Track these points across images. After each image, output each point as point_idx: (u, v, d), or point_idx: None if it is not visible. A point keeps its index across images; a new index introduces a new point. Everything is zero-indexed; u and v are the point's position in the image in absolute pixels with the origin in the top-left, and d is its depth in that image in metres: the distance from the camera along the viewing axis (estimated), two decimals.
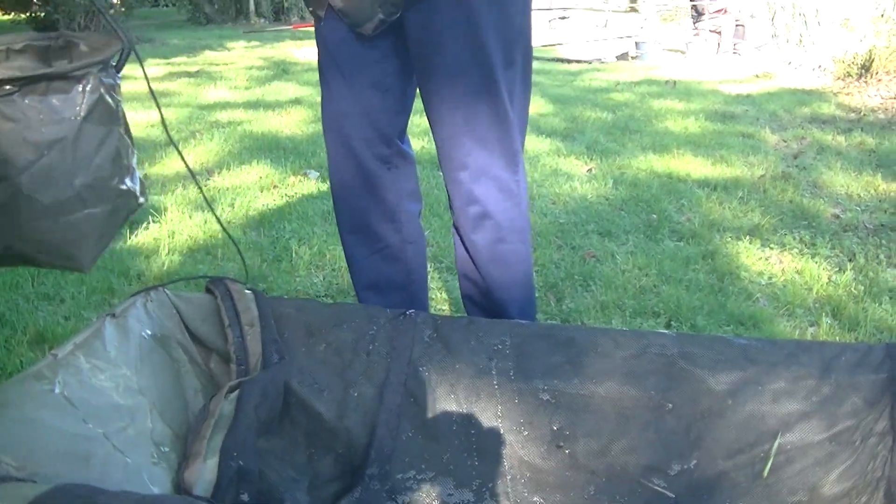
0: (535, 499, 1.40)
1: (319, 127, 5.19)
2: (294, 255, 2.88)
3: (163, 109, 5.47)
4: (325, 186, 3.69)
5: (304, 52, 11.00)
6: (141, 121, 5.09)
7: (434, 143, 1.71)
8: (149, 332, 1.30)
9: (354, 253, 1.87)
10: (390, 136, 1.77)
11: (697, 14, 11.67)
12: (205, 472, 1.23)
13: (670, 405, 1.43)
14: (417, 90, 1.72)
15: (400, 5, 1.56)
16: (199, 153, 4.42)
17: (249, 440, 1.29)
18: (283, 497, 1.30)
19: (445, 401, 1.45)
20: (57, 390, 1.15)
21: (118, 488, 1.03)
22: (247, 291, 1.44)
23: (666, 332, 1.88)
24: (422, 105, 1.70)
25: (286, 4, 21.69)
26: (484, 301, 1.81)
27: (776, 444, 1.38)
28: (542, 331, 1.57)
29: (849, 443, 1.36)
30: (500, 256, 1.73)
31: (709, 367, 1.45)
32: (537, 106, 5.98)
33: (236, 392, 1.32)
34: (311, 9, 1.67)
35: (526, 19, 1.65)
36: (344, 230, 1.85)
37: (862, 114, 6.10)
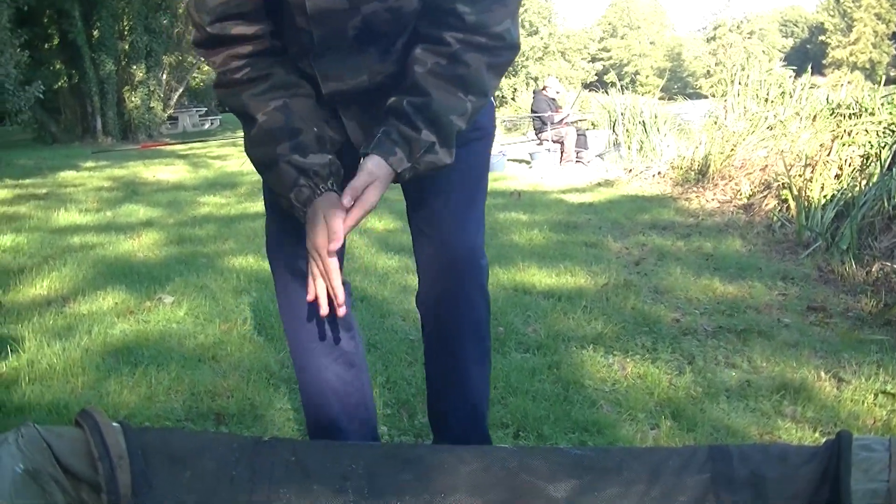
0: None
1: (171, 250, 5.34)
2: (153, 380, 2.89)
3: (14, 234, 5.38)
4: (180, 312, 3.76)
5: (153, 171, 11.01)
6: None
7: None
8: (21, 467, 1.36)
9: (314, 364, 1.86)
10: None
11: (542, 124, 12.25)
12: None
13: None
14: None
15: None
16: (53, 279, 4.42)
17: None
18: None
19: None
20: None
21: None
22: (115, 424, 1.51)
23: (507, 446, 2.00)
24: None
25: (134, 123, 21.72)
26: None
27: None
28: (392, 451, 1.68)
29: None
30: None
31: (547, 477, 1.57)
32: (385, 222, 6.18)
33: None
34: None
35: None
36: (306, 344, 1.85)
37: (700, 218, 6.57)
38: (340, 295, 1.57)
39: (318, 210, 1.55)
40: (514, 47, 1.62)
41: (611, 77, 19.59)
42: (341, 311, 1.59)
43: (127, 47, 21.33)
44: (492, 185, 8.95)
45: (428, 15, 1.58)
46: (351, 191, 1.55)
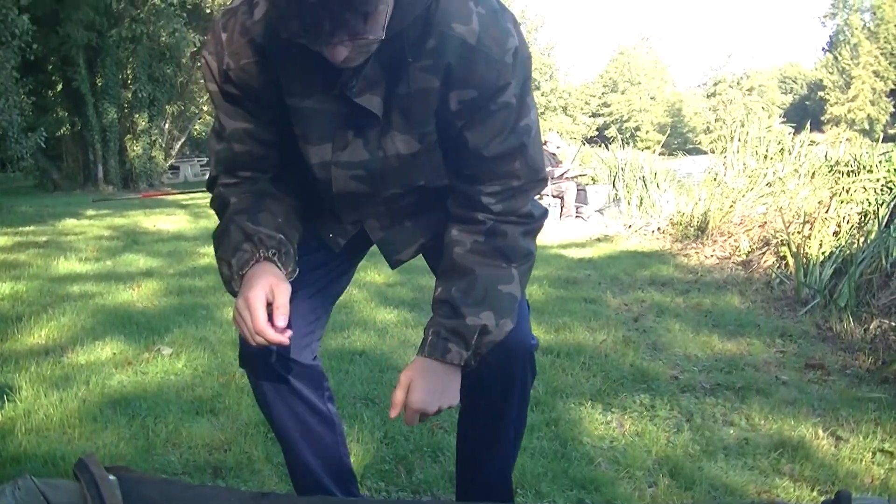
0: None
1: (171, 301, 5.36)
2: (150, 432, 2.90)
3: (13, 282, 5.39)
4: (179, 363, 3.77)
5: (154, 221, 11.07)
6: None
7: None
8: None
9: (291, 435, 1.88)
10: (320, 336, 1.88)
11: None
12: None
13: None
14: None
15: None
16: (51, 328, 4.45)
17: None
18: None
19: None
20: None
21: None
22: (111, 478, 1.51)
23: None
24: None
25: (135, 172, 21.88)
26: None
27: None
28: None
29: None
30: None
31: None
32: (384, 276, 6.20)
33: None
34: (330, 235, 1.78)
35: None
36: (280, 414, 1.86)
37: (699, 275, 6.59)
38: (273, 337, 1.47)
39: (263, 278, 1.51)
40: (543, 216, 1.68)
41: (611, 132, 19.73)
42: (284, 338, 1.48)
43: (130, 96, 21.54)
44: None
45: (458, 198, 1.64)
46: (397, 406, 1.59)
